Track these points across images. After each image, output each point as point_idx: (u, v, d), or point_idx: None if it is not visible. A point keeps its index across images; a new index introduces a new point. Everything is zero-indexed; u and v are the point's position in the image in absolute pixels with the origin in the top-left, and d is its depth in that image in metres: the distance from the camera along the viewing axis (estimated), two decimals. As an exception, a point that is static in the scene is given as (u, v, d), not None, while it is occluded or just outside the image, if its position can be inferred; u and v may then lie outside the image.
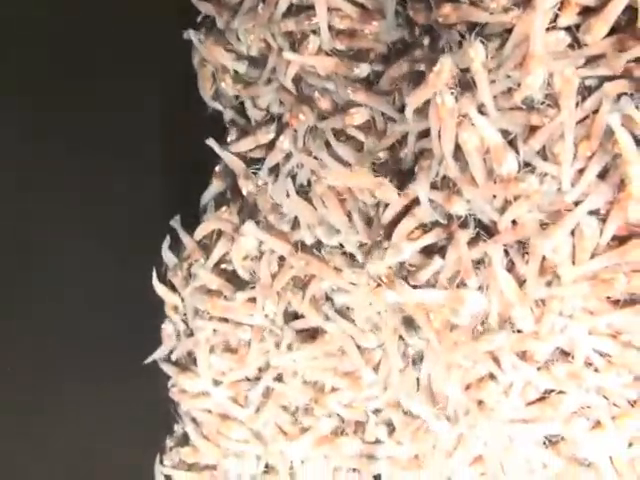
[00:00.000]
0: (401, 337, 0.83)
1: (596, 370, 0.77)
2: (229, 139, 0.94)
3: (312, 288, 0.87)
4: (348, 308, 0.87)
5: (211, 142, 0.90)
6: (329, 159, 0.83)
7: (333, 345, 0.88)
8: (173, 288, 0.95)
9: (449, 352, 0.79)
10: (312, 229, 0.86)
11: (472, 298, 0.77)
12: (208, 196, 0.97)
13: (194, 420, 0.97)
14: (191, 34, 0.89)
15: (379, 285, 0.80)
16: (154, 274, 0.94)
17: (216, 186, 0.97)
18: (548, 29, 0.71)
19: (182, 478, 0.96)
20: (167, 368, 0.95)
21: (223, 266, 0.93)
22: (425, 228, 0.80)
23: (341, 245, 0.85)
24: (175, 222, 0.94)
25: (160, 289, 0.95)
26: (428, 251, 0.78)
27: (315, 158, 0.83)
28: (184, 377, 0.96)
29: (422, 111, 0.76)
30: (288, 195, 0.85)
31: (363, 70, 0.81)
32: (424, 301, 0.77)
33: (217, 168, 0.96)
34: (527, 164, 0.74)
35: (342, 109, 0.83)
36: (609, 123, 0.69)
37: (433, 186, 0.77)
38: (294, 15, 0.83)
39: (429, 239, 0.79)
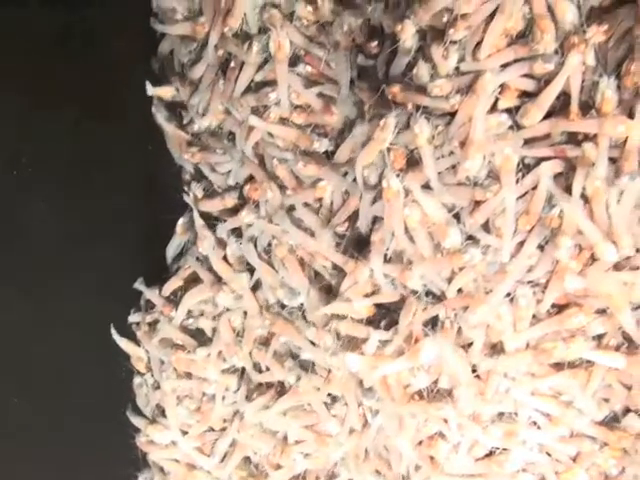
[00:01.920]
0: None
1: (539, 428, 0.81)
2: (192, 195, 0.97)
3: (274, 344, 0.91)
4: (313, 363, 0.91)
5: (188, 199, 0.94)
6: (292, 228, 0.87)
7: (300, 399, 0.92)
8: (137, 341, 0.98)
9: (403, 411, 0.83)
10: (274, 291, 0.90)
11: (427, 348, 0.81)
12: (172, 249, 1.00)
13: (162, 470, 1.00)
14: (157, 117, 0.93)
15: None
16: (113, 331, 0.97)
17: (179, 239, 1.00)
18: (490, 111, 0.76)
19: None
20: (136, 421, 0.99)
21: (189, 321, 0.97)
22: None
23: (302, 305, 0.89)
24: (140, 283, 0.97)
25: (123, 343, 0.98)
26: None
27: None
28: (153, 429, 0.99)
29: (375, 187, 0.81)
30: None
31: (323, 144, 0.86)
32: (385, 373, 0.81)
33: (180, 221, 0.99)
34: (472, 237, 0.78)
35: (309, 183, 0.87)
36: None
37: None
38: (254, 91, 0.86)
39: (383, 298, 0.83)
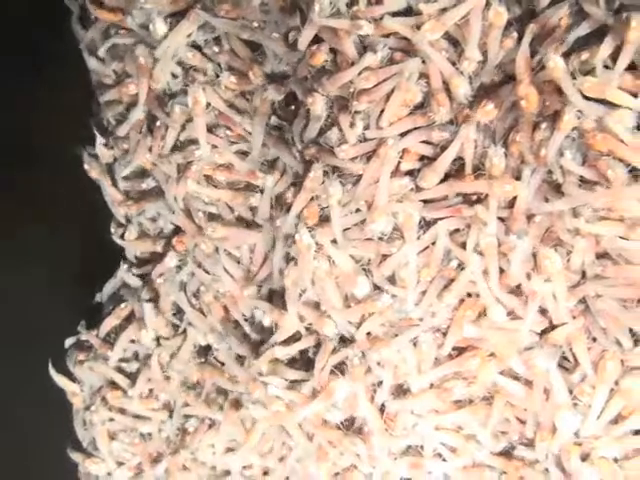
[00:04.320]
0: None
1: (443, 460, 0.89)
2: (127, 235, 1.03)
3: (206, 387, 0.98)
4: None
5: (117, 239, 1.01)
6: (224, 275, 0.94)
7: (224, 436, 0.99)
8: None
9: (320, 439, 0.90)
10: (205, 335, 0.97)
11: (339, 388, 0.88)
12: (109, 288, 1.07)
13: (99, 499, 1.07)
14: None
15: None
16: (50, 369, 1.03)
17: (118, 280, 1.06)
18: (394, 174, 0.83)
19: None
20: (74, 455, 1.05)
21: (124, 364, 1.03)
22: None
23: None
24: (81, 327, 1.03)
25: (58, 378, 1.04)
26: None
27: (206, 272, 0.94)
28: (90, 462, 1.05)
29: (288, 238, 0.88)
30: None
31: (257, 199, 0.93)
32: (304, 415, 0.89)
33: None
34: (379, 287, 0.86)
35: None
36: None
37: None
38: (180, 149, 0.93)
39: (302, 345, 0.91)
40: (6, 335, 1.05)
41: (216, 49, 0.91)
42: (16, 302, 1.05)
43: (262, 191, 0.91)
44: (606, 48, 0.75)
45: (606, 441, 0.82)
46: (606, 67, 0.76)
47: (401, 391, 0.88)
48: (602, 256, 0.80)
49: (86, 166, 1.00)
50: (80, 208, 1.08)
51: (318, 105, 0.83)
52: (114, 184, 1.01)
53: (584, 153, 0.77)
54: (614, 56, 0.76)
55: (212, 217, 0.95)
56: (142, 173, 1.00)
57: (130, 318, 1.04)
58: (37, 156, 1.06)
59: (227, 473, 1.01)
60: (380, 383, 0.88)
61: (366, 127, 0.84)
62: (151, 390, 1.02)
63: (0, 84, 1.02)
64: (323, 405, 0.87)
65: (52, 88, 1.03)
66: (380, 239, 0.85)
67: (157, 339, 1.02)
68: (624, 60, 0.73)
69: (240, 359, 0.97)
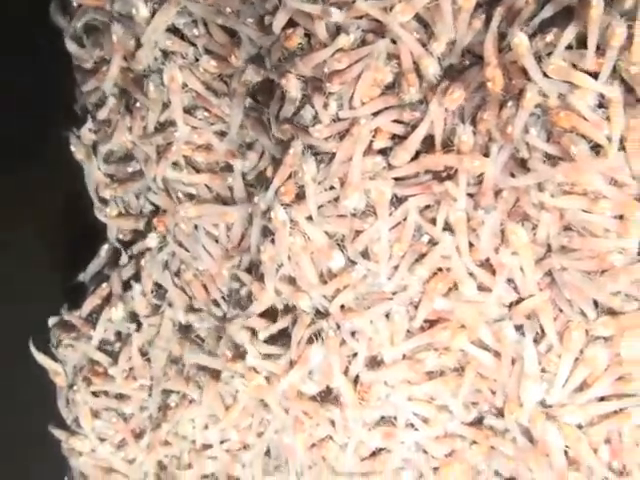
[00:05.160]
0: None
1: (416, 430, 0.92)
2: (108, 212, 1.06)
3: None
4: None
5: (100, 216, 1.03)
6: (203, 252, 0.97)
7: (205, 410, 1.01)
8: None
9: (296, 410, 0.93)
10: (187, 313, 0.99)
11: (314, 353, 0.91)
12: (92, 268, 1.09)
13: (82, 474, 1.09)
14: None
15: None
16: (32, 348, 1.05)
17: (101, 259, 1.09)
18: (367, 153, 0.86)
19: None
20: (57, 433, 1.07)
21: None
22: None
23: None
24: (64, 309, 1.05)
25: (40, 358, 1.06)
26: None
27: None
28: (74, 439, 1.07)
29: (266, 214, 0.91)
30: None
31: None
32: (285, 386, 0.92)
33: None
34: (353, 262, 0.89)
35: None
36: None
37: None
38: (160, 130, 0.95)
39: (281, 324, 0.94)
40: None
41: (196, 32, 0.93)
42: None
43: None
44: (571, 30, 0.78)
45: (571, 408, 0.84)
46: (569, 47, 0.78)
47: (375, 363, 0.90)
48: (567, 229, 0.82)
49: (72, 148, 1.02)
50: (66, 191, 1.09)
51: (292, 86, 0.86)
52: (99, 167, 1.02)
53: (549, 130, 0.80)
54: (578, 38, 0.78)
55: (191, 197, 0.97)
56: (128, 156, 1.02)
57: (110, 297, 1.05)
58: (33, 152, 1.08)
59: (207, 447, 1.03)
60: (355, 355, 0.90)
61: (340, 107, 0.86)
62: (132, 369, 1.04)
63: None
64: (300, 375, 0.89)
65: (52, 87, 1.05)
66: (353, 215, 0.88)
67: (135, 318, 1.03)
68: (592, 41, 0.76)
69: (220, 338, 0.99)
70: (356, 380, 0.91)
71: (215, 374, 1.00)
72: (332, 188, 0.88)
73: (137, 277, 1.04)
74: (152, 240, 0.98)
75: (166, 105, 0.96)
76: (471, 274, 0.86)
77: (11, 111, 1.07)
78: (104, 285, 1.06)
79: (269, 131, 0.90)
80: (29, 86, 1.06)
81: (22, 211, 1.10)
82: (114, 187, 1.01)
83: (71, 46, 1.01)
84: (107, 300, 1.06)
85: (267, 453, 1.02)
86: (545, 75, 0.78)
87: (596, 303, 0.84)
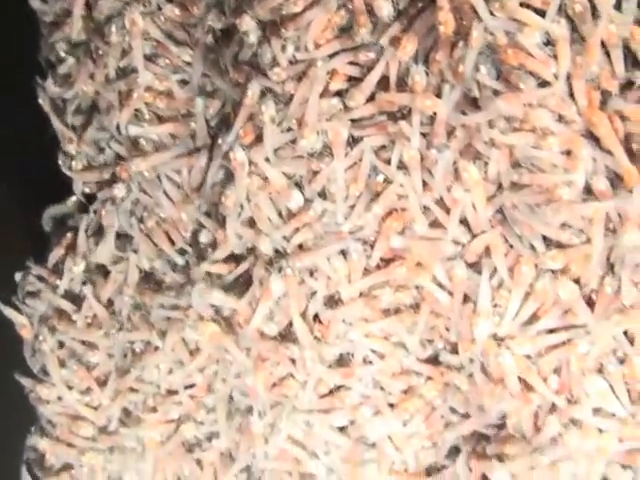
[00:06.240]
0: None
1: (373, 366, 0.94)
2: (74, 165, 1.07)
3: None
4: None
5: (65, 169, 1.05)
6: (162, 197, 0.98)
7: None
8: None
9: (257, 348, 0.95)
10: (151, 260, 1.01)
11: (275, 284, 0.93)
12: (51, 213, 1.11)
13: (50, 421, 1.11)
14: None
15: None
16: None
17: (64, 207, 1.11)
18: (323, 95, 0.88)
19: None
20: (24, 381, 1.09)
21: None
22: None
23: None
24: (30, 262, 1.07)
25: (6, 311, 1.07)
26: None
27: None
28: (41, 387, 1.09)
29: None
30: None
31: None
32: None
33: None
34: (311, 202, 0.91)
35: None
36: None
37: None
38: (122, 77, 0.97)
39: (242, 268, 0.96)
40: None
41: (158, -21, 0.95)
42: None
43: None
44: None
45: (520, 340, 0.87)
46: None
47: (333, 302, 0.93)
48: (517, 166, 0.85)
49: (40, 100, 1.03)
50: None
51: (248, 26, 0.88)
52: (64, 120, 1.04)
53: (498, 68, 0.83)
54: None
55: (154, 144, 0.99)
56: (92, 107, 1.04)
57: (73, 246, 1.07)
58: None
59: (172, 392, 1.05)
60: (314, 294, 0.92)
61: (297, 50, 0.88)
62: (95, 316, 1.06)
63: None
64: (265, 312, 0.91)
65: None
66: (311, 156, 0.90)
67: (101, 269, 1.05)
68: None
69: (183, 285, 1.01)
70: (315, 318, 0.93)
71: (178, 321, 1.01)
72: (290, 130, 0.90)
73: (101, 228, 1.05)
74: (119, 190, 0.99)
75: (126, 52, 0.96)
76: (426, 212, 0.87)
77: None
78: (68, 235, 1.07)
79: (226, 74, 0.92)
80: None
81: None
82: (78, 141, 1.02)
83: (34, 2, 1.02)
84: (72, 249, 1.07)
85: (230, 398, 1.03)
86: (492, 14, 0.80)
87: (547, 240, 0.86)
